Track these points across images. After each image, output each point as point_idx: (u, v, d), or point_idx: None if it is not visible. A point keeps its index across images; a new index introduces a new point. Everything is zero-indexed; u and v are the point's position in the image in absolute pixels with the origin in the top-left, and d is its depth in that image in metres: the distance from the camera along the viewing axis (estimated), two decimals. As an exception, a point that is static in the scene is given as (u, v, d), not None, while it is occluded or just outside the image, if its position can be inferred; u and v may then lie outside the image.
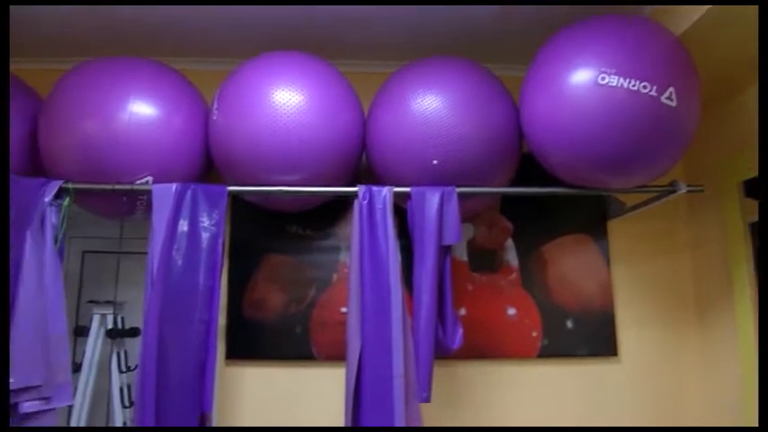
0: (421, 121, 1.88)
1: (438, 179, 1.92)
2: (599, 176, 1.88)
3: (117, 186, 1.91)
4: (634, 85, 1.65)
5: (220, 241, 1.90)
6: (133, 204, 2.00)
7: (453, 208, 1.91)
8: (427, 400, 1.84)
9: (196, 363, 1.80)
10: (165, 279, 1.82)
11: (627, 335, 2.37)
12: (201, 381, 1.80)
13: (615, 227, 2.45)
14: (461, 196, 1.93)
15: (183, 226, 1.87)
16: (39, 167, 2.03)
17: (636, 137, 1.69)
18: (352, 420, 1.79)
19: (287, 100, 1.88)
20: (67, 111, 1.92)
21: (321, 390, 2.25)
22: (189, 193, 1.91)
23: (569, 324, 2.35)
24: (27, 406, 1.73)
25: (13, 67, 2.28)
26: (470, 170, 1.91)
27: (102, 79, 1.95)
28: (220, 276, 1.89)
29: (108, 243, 2.45)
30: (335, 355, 2.25)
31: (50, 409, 1.77)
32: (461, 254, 2.37)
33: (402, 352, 1.80)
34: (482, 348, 2.32)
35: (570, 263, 2.40)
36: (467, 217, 2.23)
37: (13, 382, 1.70)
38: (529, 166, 2.07)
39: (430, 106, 1.87)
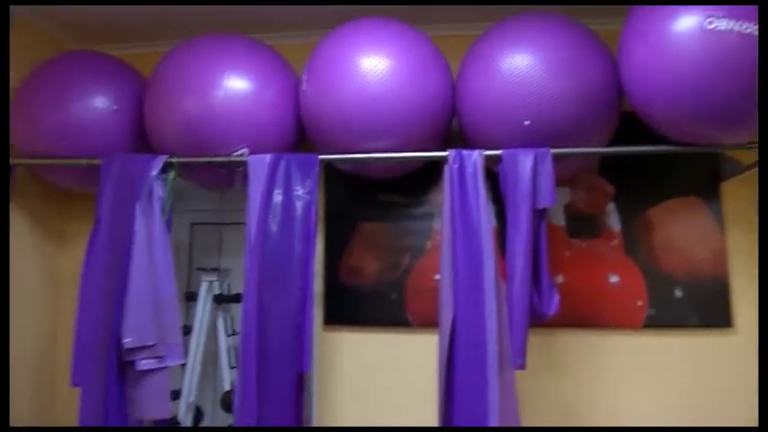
0: (511, 80, 1.82)
1: (531, 141, 1.85)
2: (709, 132, 1.73)
3: (215, 159, 2.00)
4: (747, 28, 1.50)
5: (314, 209, 1.94)
6: (232, 176, 2.09)
7: (547, 170, 1.84)
8: (522, 367, 1.81)
9: (294, 325, 1.87)
10: (262, 247, 1.89)
11: (743, 305, 2.19)
12: (299, 342, 1.87)
13: (730, 189, 2.25)
14: (556, 158, 1.85)
15: (278, 195, 1.94)
16: (146, 144, 2.17)
17: (750, 85, 1.53)
18: (446, 387, 1.79)
19: (374, 66, 1.88)
20: (168, 90, 2.03)
21: (416, 356, 2.27)
22: (282, 163, 1.97)
23: (678, 293, 2.20)
24: (143, 364, 1.87)
25: (118, 52, 2.45)
26: (565, 130, 1.83)
27: (197, 58, 2.04)
28: (315, 243, 1.94)
29: (215, 215, 2.59)
30: (430, 322, 2.25)
31: (163, 368, 1.91)
32: (558, 219, 2.28)
33: (496, 318, 1.77)
34: (582, 317, 2.23)
35: (679, 228, 2.25)
36: (563, 180, 2.13)
37: (129, 341, 1.85)
38: (631, 126, 1.94)
39: (520, 65, 1.80)
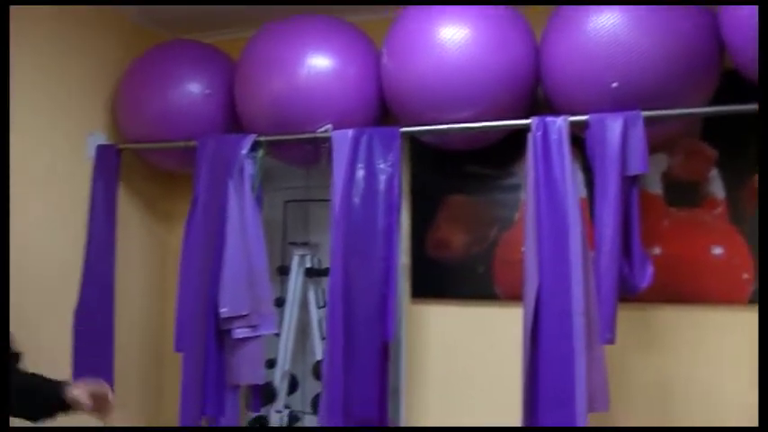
0: (597, 40, 1.73)
1: (619, 104, 1.76)
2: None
3: (300, 136, 2.07)
4: None
5: (396, 182, 1.96)
6: (317, 152, 2.15)
7: (638, 134, 1.74)
8: (611, 341, 1.75)
9: (378, 296, 1.91)
10: (346, 221, 1.94)
11: None
12: (383, 312, 1.90)
13: None
14: (648, 121, 1.75)
15: (360, 169, 1.97)
16: (238, 125, 2.27)
17: None
18: (530, 358, 1.77)
19: (452, 35, 1.86)
20: (255, 72, 2.12)
21: (504, 329, 2.24)
22: (364, 137, 2.00)
23: (791, 264, 2.03)
24: (238, 332, 1.99)
25: (210, 39, 2.57)
26: (656, 91, 1.72)
27: (281, 40, 2.10)
28: (398, 216, 1.96)
29: (305, 192, 2.67)
30: (518, 295, 2.19)
31: (257, 336, 2.02)
32: (655, 187, 2.16)
33: (583, 289, 1.71)
34: (680, 291, 2.11)
35: (792, 194, 2.06)
36: (659, 145, 2.01)
37: (225, 311, 1.97)
38: (734, 85, 1.80)
39: (606, 23, 1.71)
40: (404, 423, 2.33)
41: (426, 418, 2.33)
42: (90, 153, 2.38)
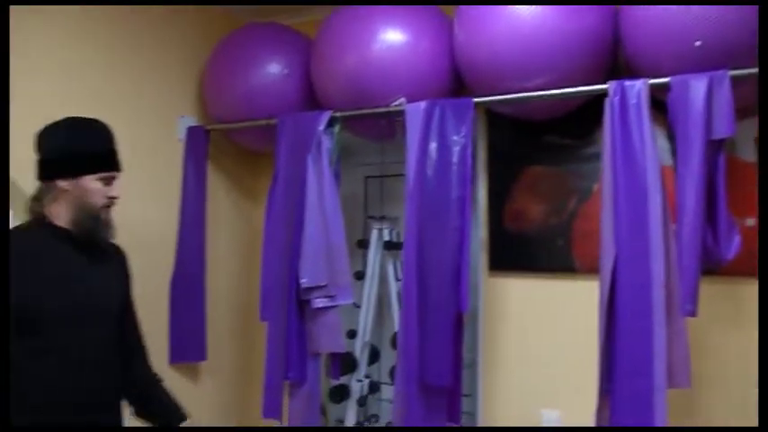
0: (677, -3, 1.64)
1: (703, 64, 1.66)
2: None
3: (374, 110, 2.10)
4: None
5: (469, 153, 1.95)
6: (392, 126, 2.18)
7: (724, 95, 1.64)
8: (692, 313, 1.67)
9: (452, 267, 1.92)
10: (420, 193, 1.96)
11: None
12: (458, 283, 1.91)
13: None
14: (735, 81, 1.65)
15: (433, 141, 1.98)
16: (315, 102, 2.34)
17: None
18: (607, 331, 1.73)
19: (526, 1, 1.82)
20: (330, 49, 2.17)
21: (583, 302, 2.19)
22: (437, 109, 2.00)
23: None
24: (317, 302, 2.07)
25: (288, 21, 2.64)
26: (746, 48, 1.61)
27: (355, 17, 2.15)
28: (471, 187, 1.96)
29: (383, 167, 2.72)
30: (598, 267, 2.16)
31: (334, 306, 2.09)
32: (747, 154, 2.02)
33: (663, 259, 1.65)
34: (778, 262, 1.97)
35: None
36: (750, 108, 1.88)
37: (305, 281, 2.05)
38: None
39: (688, -22, 1.62)
40: (481, 396, 2.35)
41: (503, 391, 2.33)
42: (181, 135, 2.53)
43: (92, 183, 1.63)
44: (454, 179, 1.95)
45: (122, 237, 2.25)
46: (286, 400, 2.20)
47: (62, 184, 1.62)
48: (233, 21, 2.77)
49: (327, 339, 2.10)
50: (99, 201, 1.65)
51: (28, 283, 1.54)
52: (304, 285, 2.04)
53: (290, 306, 2.09)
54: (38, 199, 1.65)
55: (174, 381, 2.49)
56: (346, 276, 2.09)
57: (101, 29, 2.23)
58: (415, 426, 1.95)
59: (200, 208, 2.51)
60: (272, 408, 2.17)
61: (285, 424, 2.20)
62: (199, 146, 2.51)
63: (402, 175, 2.59)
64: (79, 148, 1.64)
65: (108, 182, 1.67)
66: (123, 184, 2.25)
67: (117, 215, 2.13)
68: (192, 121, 2.58)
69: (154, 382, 1.89)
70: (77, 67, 2.15)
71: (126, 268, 1.86)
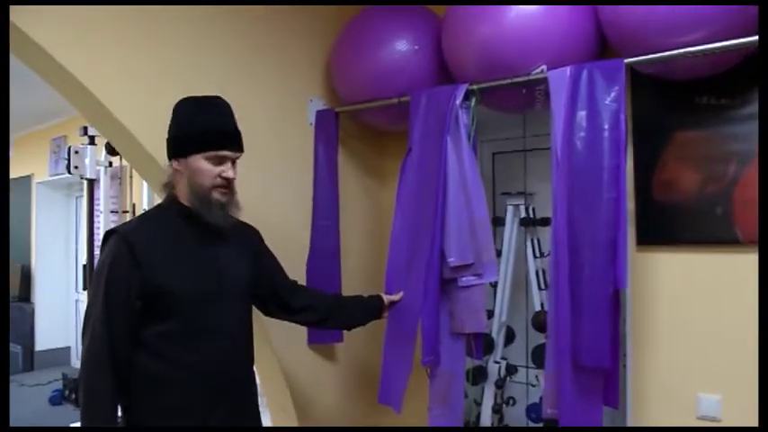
0: None
1: None
2: None
3: (514, 80, 2.01)
4: None
5: (622, 117, 1.82)
6: (532, 96, 2.08)
7: None
8: None
9: (606, 241, 1.80)
10: (569, 162, 1.85)
11: None
12: (613, 258, 1.80)
13: None
14: None
15: (582, 107, 1.86)
16: (447, 77, 2.27)
17: None
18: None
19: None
20: (463, 19, 2.09)
21: (747, 276, 2.00)
22: (584, 73, 1.88)
23: None
24: (464, 281, 2.02)
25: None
26: None
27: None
28: (625, 153, 1.83)
29: (514, 143, 2.63)
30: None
31: (480, 284, 2.03)
32: None
33: None
34: None
35: None
36: None
37: (452, 260, 2.00)
38: None
39: None
40: (630, 378, 2.21)
41: (654, 373, 2.19)
42: (311, 118, 2.55)
43: (199, 162, 1.61)
44: (606, 146, 1.83)
45: (259, 219, 2.33)
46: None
47: (175, 164, 1.65)
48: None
49: (471, 319, 2.04)
50: (208, 181, 1.62)
51: (153, 267, 1.57)
52: (452, 264, 2.00)
53: (430, 287, 2.05)
54: (169, 180, 1.69)
55: (312, 362, 2.56)
56: (491, 253, 2.02)
57: (227, 19, 2.27)
58: (569, 409, 1.85)
59: (333, 190, 2.52)
60: (388, 395, 2.15)
61: (429, 412, 2.16)
62: (329, 128, 2.52)
63: (533, 149, 2.53)
64: (187, 127, 1.63)
65: (219, 162, 1.62)
66: (257, 169, 2.33)
67: (254, 199, 2.21)
68: (322, 104, 2.59)
69: (322, 298, 2.10)
70: (206, 60, 2.21)
71: (257, 243, 1.90)
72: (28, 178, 6.90)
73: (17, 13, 1.71)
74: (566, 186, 1.85)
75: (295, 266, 2.45)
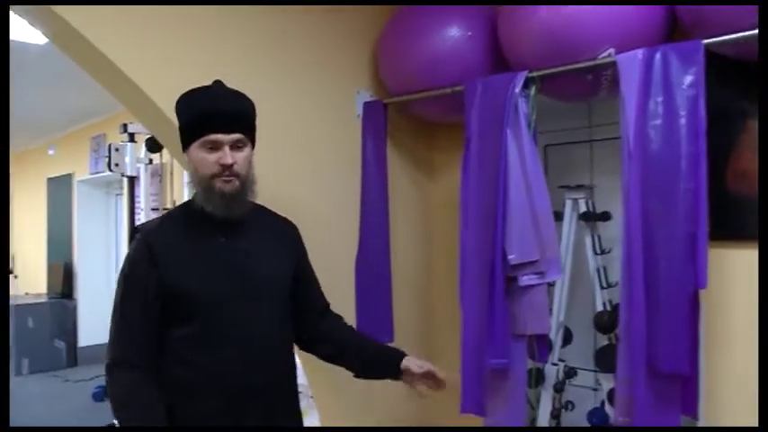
0: None
1: None
2: None
3: (578, 65, 1.88)
4: None
5: (702, 102, 1.69)
6: (597, 82, 1.95)
7: None
8: None
9: (685, 235, 1.67)
10: (642, 151, 1.72)
11: None
12: (692, 254, 1.67)
13: None
14: None
15: (657, 92, 1.72)
16: (503, 64, 2.15)
17: None
18: None
19: None
20: (521, 3, 1.97)
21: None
22: (657, 56, 1.74)
23: None
24: (525, 279, 1.90)
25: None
26: None
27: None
28: (705, 140, 1.69)
29: (567, 134, 2.49)
30: None
31: (542, 284, 1.91)
32: None
33: None
34: None
35: None
36: None
37: (513, 257, 1.89)
38: None
39: None
40: (703, 383, 2.06)
41: (729, 378, 2.04)
42: (358, 110, 2.46)
43: (197, 151, 1.49)
44: (683, 134, 1.69)
45: (308, 214, 2.25)
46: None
47: (186, 159, 1.56)
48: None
49: (534, 320, 1.93)
50: (207, 170, 1.49)
51: (170, 267, 1.48)
52: (513, 262, 1.88)
53: (494, 284, 1.94)
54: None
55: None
56: (555, 250, 1.90)
57: (274, 12, 2.20)
58: (643, 418, 1.73)
59: (382, 185, 2.43)
60: (473, 402, 2.04)
61: (488, 419, 2.06)
62: (377, 121, 2.43)
63: (590, 141, 2.39)
64: (182, 117, 1.53)
65: (213, 147, 1.48)
66: (306, 163, 2.25)
67: (303, 193, 2.13)
68: (369, 96, 2.50)
69: (344, 330, 1.84)
70: (253, 51, 2.14)
71: (294, 242, 1.74)
72: (69, 177, 6.98)
73: (68, 10, 1.69)
74: (639, 177, 1.72)
75: (343, 269, 2.39)
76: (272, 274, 1.60)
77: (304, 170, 2.27)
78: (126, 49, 1.83)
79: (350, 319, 2.37)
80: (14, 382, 6.10)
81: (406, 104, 2.46)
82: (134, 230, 1.57)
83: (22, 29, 3.57)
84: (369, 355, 1.79)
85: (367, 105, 2.45)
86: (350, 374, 2.25)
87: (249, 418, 1.51)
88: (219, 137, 1.47)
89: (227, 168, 1.47)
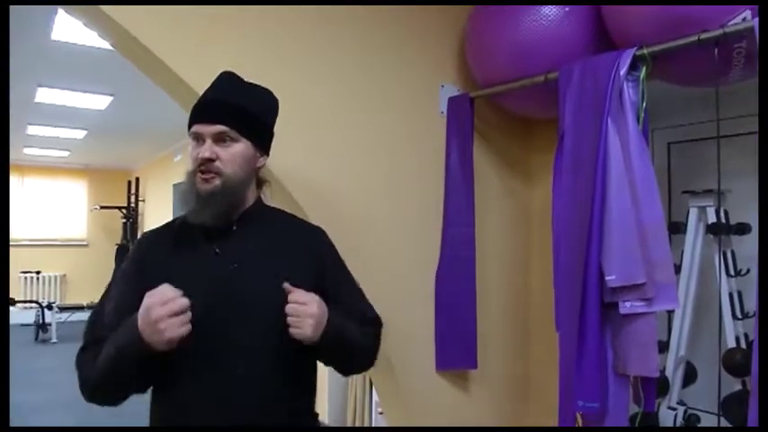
0: None
1: None
2: None
3: (703, 35, 1.48)
4: None
5: None
6: (728, 58, 1.53)
7: None
8: None
9: None
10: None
11: None
12: None
13: None
14: None
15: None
16: (607, 43, 1.79)
17: None
18: None
19: None
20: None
21: None
22: (815, 18, 1.32)
23: None
24: (627, 306, 1.53)
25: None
26: None
27: None
28: None
29: (696, 129, 2.07)
30: None
31: (650, 313, 1.53)
32: None
33: None
34: None
35: None
36: None
37: (613, 279, 1.52)
38: None
39: None
40: None
41: None
42: (442, 106, 2.20)
43: (190, 146, 1.31)
44: None
45: (386, 219, 2.03)
46: None
47: None
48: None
49: (638, 358, 1.55)
50: (191, 166, 1.29)
51: (154, 277, 1.23)
52: (612, 284, 1.52)
53: (586, 311, 1.58)
54: None
55: (441, 391, 2.19)
56: (669, 271, 1.51)
57: (355, 8, 2.01)
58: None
59: (468, 190, 2.14)
60: None
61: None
62: (463, 117, 2.14)
63: (724, 136, 1.95)
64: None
65: (198, 140, 1.29)
66: (386, 165, 2.03)
67: (381, 197, 1.90)
68: (455, 90, 2.22)
69: None
70: (330, 48, 1.97)
71: (316, 253, 1.42)
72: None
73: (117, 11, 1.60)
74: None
75: (422, 283, 2.13)
76: (271, 291, 1.27)
77: (379, 173, 2.05)
78: (182, 53, 1.71)
79: (427, 343, 2.12)
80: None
81: (497, 99, 2.16)
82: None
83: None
84: None
85: (452, 100, 2.18)
86: (414, 387, 1.98)
87: None
88: (200, 128, 1.29)
89: (204, 162, 1.26)
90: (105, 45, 3.70)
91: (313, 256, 1.41)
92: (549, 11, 1.85)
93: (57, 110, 5.59)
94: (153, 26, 1.66)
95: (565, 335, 1.71)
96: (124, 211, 9.54)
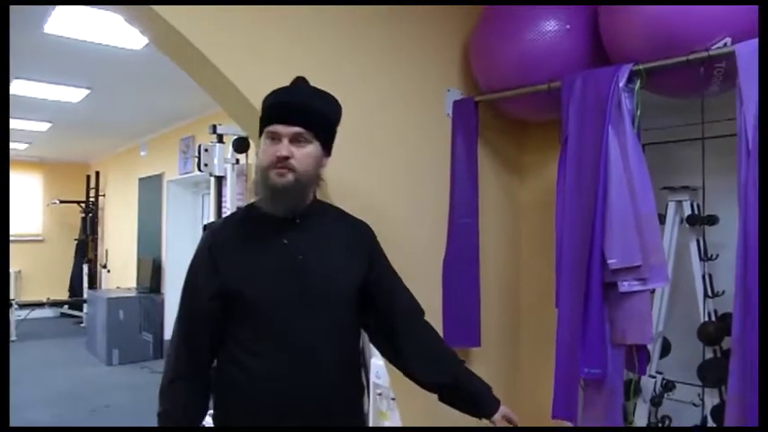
0: None
1: None
2: None
3: (691, 56, 1.76)
4: None
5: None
6: (708, 75, 1.81)
7: None
8: None
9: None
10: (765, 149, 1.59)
11: None
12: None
13: None
14: None
15: (782, 86, 1.58)
16: (603, 58, 2.05)
17: None
18: None
19: None
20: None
21: None
22: (782, 45, 1.60)
23: None
24: (626, 285, 1.79)
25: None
26: None
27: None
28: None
29: (669, 132, 2.35)
30: None
31: (645, 290, 1.80)
32: None
33: None
34: None
35: None
36: None
37: (614, 262, 1.78)
38: None
39: None
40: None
41: None
42: (448, 109, 2.42)
43: (262, 142, 1.46)
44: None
45: (397, 214, 2.23)
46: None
47: None
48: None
49: (635, 329, 1.82)
50: (264, 161, 1.44)
51: (228, 268, 1.45)
52: (613, 266, 1.78)
53: (591, 290, 1.84)
54: None
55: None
56: (660, 254, 1.79)
57: (368, 12, 2.19)
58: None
59: (472, 186, 2.37)
60: (565, 407, 1.95)
61: (579, 425, 1.97)
62: (468, 119, 2.37)
63: (692, 139, 2.23)
64: (261, 111, 1.51)
65: (274, 139, 1.43)
66: (396, 162, 2.23)
67: (391, 192, 2.09)
68: (459, 93, 2.45)
69: (452, 359, 1.66)
70: (344, 47, 2.14)
71: (368, 246, 1.62)
72: (159, 177, 7.29)
73: (173, 14, 1.74)
74: (758, 176, 1.58)
75: (430, 268, 2.34)
76: (337, 281, 1.51)
77: (391, 169, 2.25)
78: (221, 47, 1.86)
79: (436, 324, 2.33)
80: (104, 371, 6.44)
81: (496, 103, 2.39)
82: (204, 227, 1.58)
83: (119, 34, 3.73)
84: (467, 394, 1.62)
85: (457, 104, 2.40)
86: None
87: (296, 423, 1.45)
88: (279, 128, 1.43)
89: (281, 160, 1.42)
90: (89, 38, 3.78)
91: (364, 248, 1.62)
92: (552, 26, 2.09)
93: (25, 101, 5.53)
94: (199, 25, 1.80)
95: (565, 311, 1.96)
96: (83, 205, 9.39)
